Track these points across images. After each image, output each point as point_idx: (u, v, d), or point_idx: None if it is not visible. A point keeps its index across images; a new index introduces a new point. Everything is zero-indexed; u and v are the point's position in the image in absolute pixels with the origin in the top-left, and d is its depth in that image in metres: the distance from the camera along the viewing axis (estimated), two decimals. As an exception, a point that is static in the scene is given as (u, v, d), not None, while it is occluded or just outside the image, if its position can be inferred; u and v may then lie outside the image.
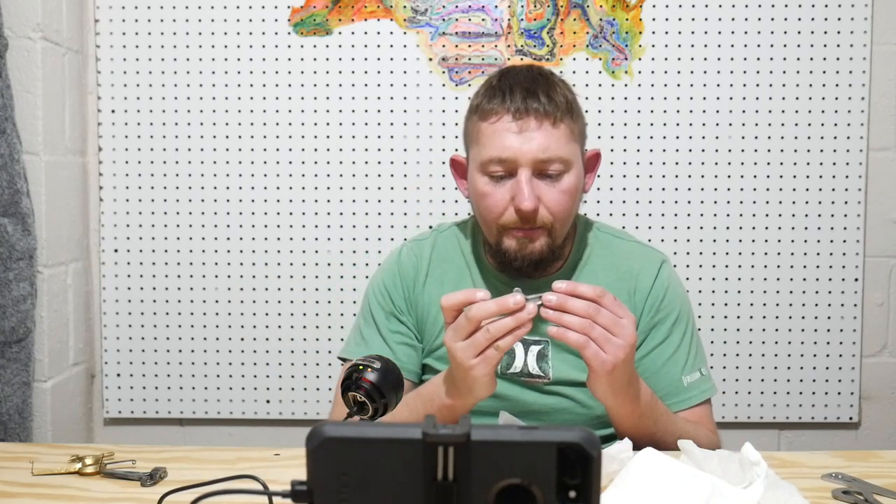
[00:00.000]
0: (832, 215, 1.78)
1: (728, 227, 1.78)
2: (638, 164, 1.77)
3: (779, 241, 1.78)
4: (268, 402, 1.82)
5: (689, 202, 1.78)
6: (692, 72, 1.76)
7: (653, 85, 1.76)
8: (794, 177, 1.77)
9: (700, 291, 1.78)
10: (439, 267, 1.25)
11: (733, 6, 1.74)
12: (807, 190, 1.77)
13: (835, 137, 1.76)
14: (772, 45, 1.75)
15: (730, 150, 1.77)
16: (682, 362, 1.19)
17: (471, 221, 1.28)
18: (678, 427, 1.11)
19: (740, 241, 1.78)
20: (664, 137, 1.77)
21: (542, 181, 1.11)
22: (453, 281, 1.23)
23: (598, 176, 1.77)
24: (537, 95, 1.11)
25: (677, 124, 1.77)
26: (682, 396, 1.18)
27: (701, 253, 1.79)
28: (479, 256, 1.24)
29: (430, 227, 1.37)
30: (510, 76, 1.16)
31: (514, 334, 0.96)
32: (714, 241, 1.78)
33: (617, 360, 0.97)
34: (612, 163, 1.77)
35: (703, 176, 1.77)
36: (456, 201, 1.77)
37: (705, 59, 1.75)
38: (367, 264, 1.79)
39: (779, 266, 1.79)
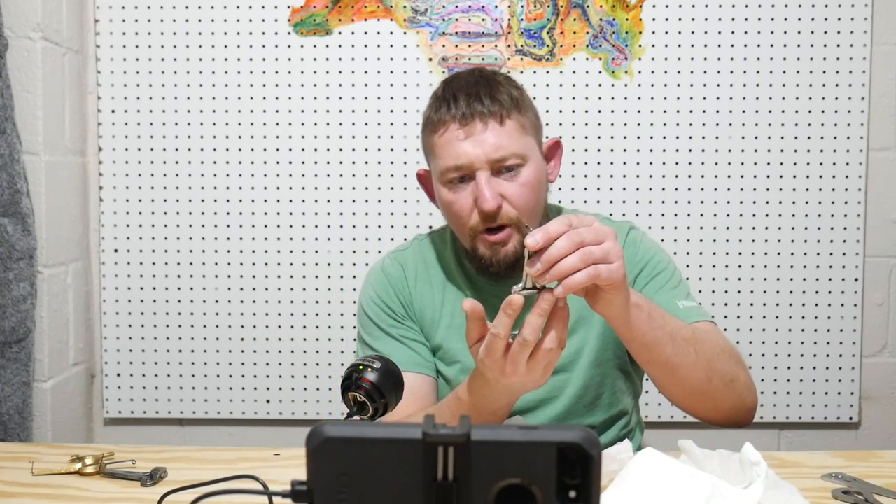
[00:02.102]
0: (832, 215, 1.78)
1: (728, 227, 1.78)
2: (638, 164, 1.77)
3: (779, 241, 1.78)
4: (268, 402, 1.82)
5: (689, 202, 1.78)
6: (692, 72, 1.76)
7: (653, 85, 1.76)
8: (794, 177, 1.77)
9: (700, 291, 1.78)
10: (426, 272, 1.25)
11: (733, 6, 1.74)
12: (807, 190, 1.77)
13: (835, 137, 1.76)
14: (772, 46, 1.75)
15: (730, 151, 1.77)
16: (672, 294, 1.17)
17: (448, 229, 1.28)
18: (688, 328, 1.05)
19: (740, 241, 1.78)
20: (664, 137, 1.77)
21: (502, 178, 1.12)
22: (441, 285, 1.24)
23: (598, 176, 1.78)
24: (480, 98, 1.12)
25: (677, 124, 1.77)
26: (680, 317, 1.13)
27: (701, 253, 1.78)
28: (461, 261, 1.25)
29: (406, 239, 1.37)
30: (453, 84, 1.17)
31: (538, 317, 0.90)
32: (714, 241, 1.78)
33: (622, 265, 0.92)
34: (611, 163, 1.77)
35: (703, 176, 1.77)
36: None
37: (705, 59, 1.75)
38: (366, 264, 1.79)
39: (779, 266, 1.79)
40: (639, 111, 1.76)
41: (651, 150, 1.77)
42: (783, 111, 1.76)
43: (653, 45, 1.75)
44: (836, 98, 1.76)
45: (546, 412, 1.21)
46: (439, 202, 1.20)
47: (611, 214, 1.77)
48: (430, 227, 1.37)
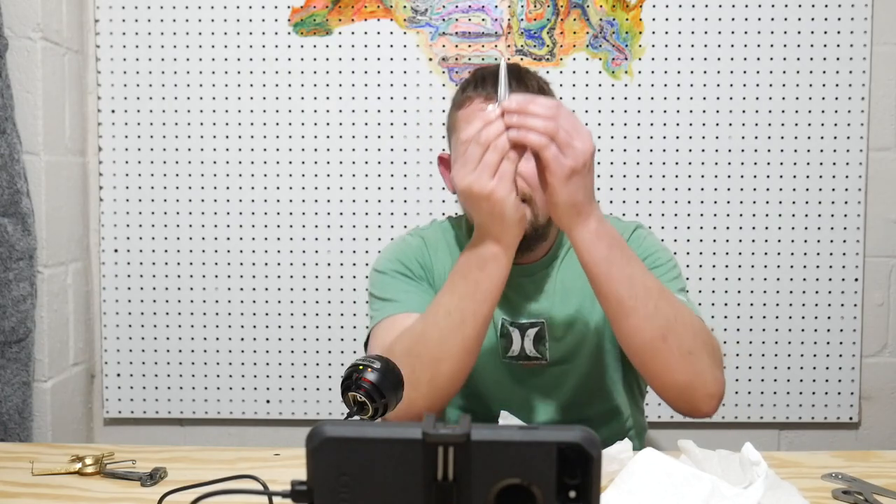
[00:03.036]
0: (832, 215, 1.78)
1: (728, 227, 1.78)
2: (638, 164, 1.77)
3: (779, 240, 1.78)
4: (268, 402, 1.82)
5: (688, 202, 1.78)
6: (692, 72, 1.76)
7: (653, 85, 1.76)
8: (794, 177, 1.77)
9: (700, 291, 1.78)
10: (446, 248, 1.26)
11: (733, 6, 1.75)
12: (807, 190, 1.77)
13: (835, 137, 1.76)
14: (772, 46, 1.75)
15: (730, 150, 1.77)
16: (667, 284, 1.15)
17: (464, 218, 1.30)
18: (657, 283, 1.05)
19: (740, 241, 1.78)
20: (664, 137, 1.77)
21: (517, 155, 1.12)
22: None
23: (598, 176, 1.77)
24: (508, 81, 1.14)
25: (677, 124, 1.77)
26: None
27: (701, 253, 1.78)
28: None
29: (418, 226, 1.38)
30: (481, 70, 1.20)
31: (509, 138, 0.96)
32: (714, 241, 1.78)
33: (577, 164, 0.95)
34: (611, 163, 1.77)
35: (702, 176, 1.77)
36: (456, 201, 1.77)
37: (705, 59, 1.75)
38: (366, 264, 1.79)
39: (779, 266, 1.79)
40: (639, 111, 1.76)
41: (651, 150, 1.77)
42: (783, 111, 1.76)
43: (653, 45, 1.75)
44: (836, 98, 1.76)
45: (548, 406, 1.21)
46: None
47: (611, 214, 1.77)
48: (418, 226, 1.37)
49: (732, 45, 1.75)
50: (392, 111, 1.77)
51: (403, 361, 0.90)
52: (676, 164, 1.77)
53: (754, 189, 1.77)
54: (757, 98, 1.76)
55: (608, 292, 1.02)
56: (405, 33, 1.76)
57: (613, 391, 1.24)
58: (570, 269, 1.22)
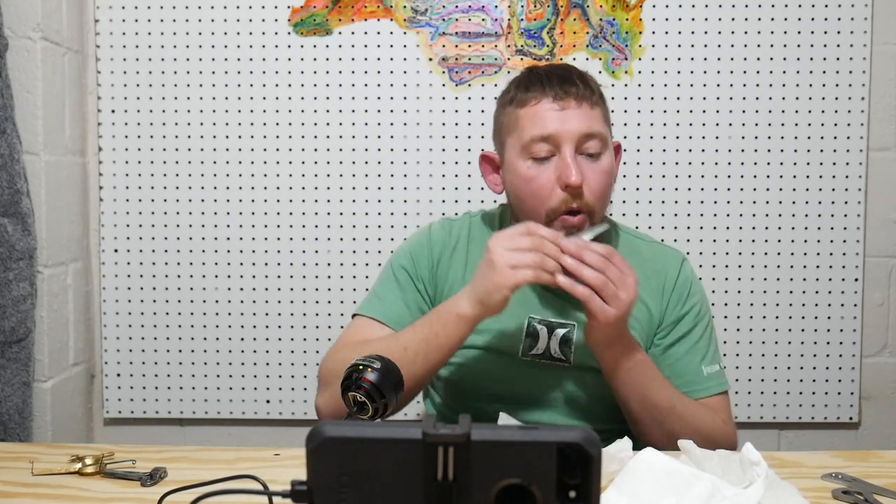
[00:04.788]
0: (832, 215, 1.78)
1: (728, 228, 1.78)
2: (637, 164, 1.77)
3: (779, 240, 1.78)
4: (268, 402, 1.82)
5: (688, 202, 1.78)
6: (692, 72, 1.76)
7: (653, 85, 1.76)
8: (794, 177, 1.77)
9: (700, 291, 1.78)
10: (468, 249, 1.26)
11: (733, 6, 1.74)
12: (807, 190, 1.77)
13: (835, 137, 1.76)
14: (772, 45, 1.75)
15: (730, 151, 1.77)
16: (702, 353, 1.23)
17: (499, 212, 1.30)
18: (684, 401, 1.16)
19: (740, 241, 1.78)
20: (664, 138, 1.77)
21: (583, 160, 1.14)
22: (476, 264, 1.24)
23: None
24: (574, 81, 1.16)
25: (677, 124, 1.77)
26: (702, 385, 1.21)
27: (701, 253, 1.78)
28: None
29: (405, 239, 1.39)
30: (541, 69, 1.21)
31: (550, 269, 1.04)
32: (714, 241, 1.78)
33: (619, 314, 1.04)
34: (612, 163, 1.77)
35: (702, 176, 1.77)
36: (456, 201, 1.78)
37: (705, 59, 1.75)
38: (366, 264, 1.79)
39: (779, 266, 1.79)
40: (638, 111, 1.76)
41: (651, 150, 1.77)
42: (783, 111, 1.76)
43: (653, 45, 1.75)
44: (836, 98, 1.76)
45: (556, 406, 1.22)
46: (512, 179, 1.19)
47: (611, 214, 1.77)
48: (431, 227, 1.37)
49: (732, 45, 1.75)
50: (392, 111, 1.77)
51: None
52: (676, 164, 1.77)
53: (754, 189, 1.77)
54: (757, 98, 1.76)
55: (622, 402, 1.15)
56: (405, 33, 1.76)
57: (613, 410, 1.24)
58: None
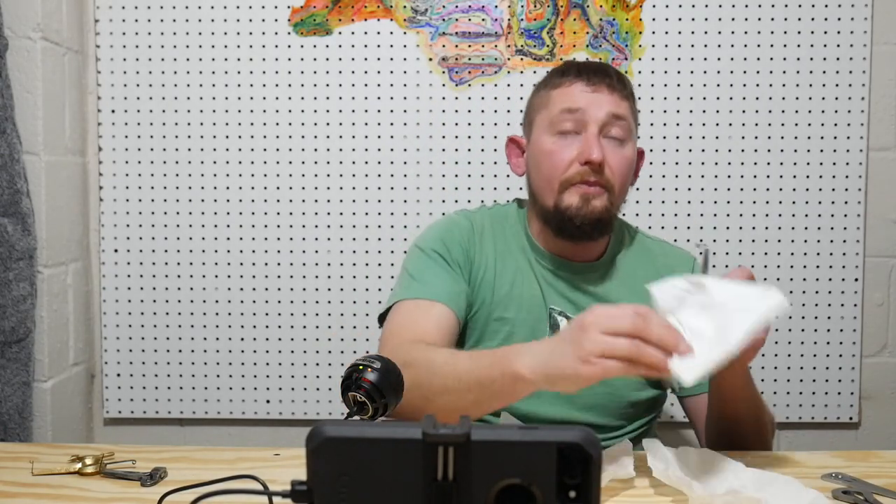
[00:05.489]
0: (832, 215, 1.78)
1: (728, 228, 1.78)
2: (638, 164, 1.77)
3: (779, 240, 1.78)
4: (268, 402, 1.82)
5: (688, 202, 1.78)
6: (692, 72, 1.76)
7: (653, 85, 1.76)
8: (794, 177, 1.77)
9: (700, 291, 1.78)
10: (495, 235, 1.25)
11: (733, 6, 1.74)
12: (807, 190, 1.77)
13: (835, 137, 1.76)
14: (772, 45, 1.75)
15: (730, 151, 1.77)
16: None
17: (514, 205, 1.31)
18: (769, 416, 1.17)
19: (740, 241, 1.78)
20: (664, 138, 1.77)
21: (607, 143, 1.16)
22: (510, 251, 1.23)
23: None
24: (608, 73, 1.19)
25: (677, 124, 1.77)
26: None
27: (701, 254, 1.78)
28: (529, 237, 1.25)
29: (406, 239, 1.36)
30: (580, 61, 1.24)
31: (646, 362, 0.84)
32: (714, 241, 1.78)
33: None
34: (612, 163, 1.77)
35: (702, 176, 1.77)
36: (456, 201, 1.77)
37: (705, 59, 1.75)
38: (366, 264, 1.79)
39: (779, 266, 1.79)
40: (638, 111, 1.76)
41: (651, 150, 1.77)
42: (783, 111, 1.76)
43: (653, 45, 1.75)
44: (836, 98, 1.76)
45: (570, 399, 1.20)
46: (535, 154, 1.20)
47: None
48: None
49: (732, 46, 1.75)
50: (392, 111, 1.77)
51: (406, 377, 0.90)
52: (676, 163, 1.77)
53: (754, 189, 1.77)
54: (757, 98, 1.76)
55: (727, 418, 1.13)
56: (405, 33, 1.76)
57: (641, 404, 1.24)
58: (630, 273, 1.25)
